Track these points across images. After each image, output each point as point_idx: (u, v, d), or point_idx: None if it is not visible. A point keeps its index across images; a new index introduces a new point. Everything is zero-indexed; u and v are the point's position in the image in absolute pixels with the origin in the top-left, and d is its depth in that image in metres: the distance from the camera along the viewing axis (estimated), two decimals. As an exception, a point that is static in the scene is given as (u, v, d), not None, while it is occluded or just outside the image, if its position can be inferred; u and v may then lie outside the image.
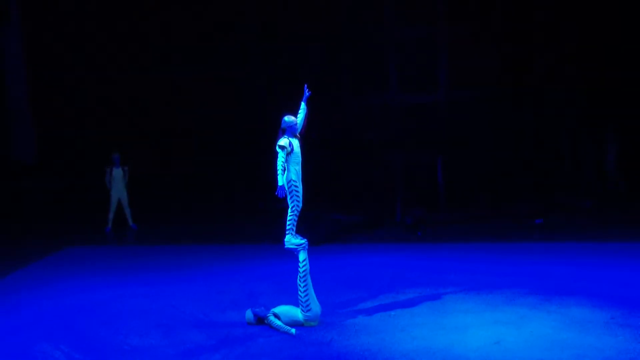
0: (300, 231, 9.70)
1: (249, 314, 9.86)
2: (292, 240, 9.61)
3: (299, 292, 9.60)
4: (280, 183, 9.41)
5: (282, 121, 9.64)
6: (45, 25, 21.42)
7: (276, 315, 9.66)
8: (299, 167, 9.62)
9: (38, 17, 21.51)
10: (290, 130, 9.60)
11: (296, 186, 9.54)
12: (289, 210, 9.56)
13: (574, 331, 9.21)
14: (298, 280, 9.61)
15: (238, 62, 21.57)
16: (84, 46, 21.47)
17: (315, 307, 9.67)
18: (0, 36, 21.38)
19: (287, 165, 9.50)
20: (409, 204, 17.93)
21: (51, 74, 21.58)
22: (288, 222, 9.59)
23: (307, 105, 9.97)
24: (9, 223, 17.98)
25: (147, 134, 21.42)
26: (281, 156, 9.46)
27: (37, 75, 21.71)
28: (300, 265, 9.59)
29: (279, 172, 9.43)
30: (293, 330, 9.43)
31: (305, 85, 9.99)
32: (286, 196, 9.52)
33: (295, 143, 9.62)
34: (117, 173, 17.09)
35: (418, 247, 14.90)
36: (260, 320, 9.77)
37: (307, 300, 9.59)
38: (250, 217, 18.36)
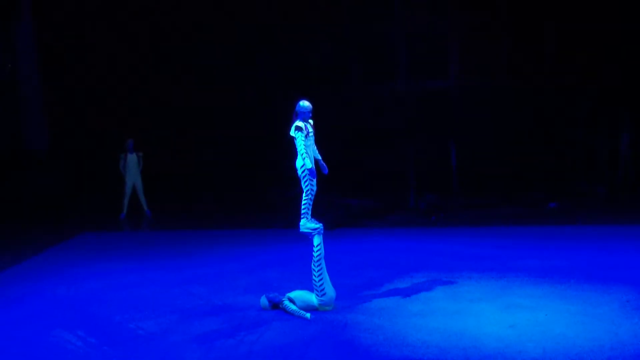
0: (313, 216, 9.71)
1: (263, 300, 9.89)
2: (307, 224, 9.62)
3: (314, 277, 9.62)
4: (309, 166, 9.44)
5: (297, 105, 9.65)
6: (56, 19, 21.45)
7: (291, 300, 9.69)
8: (311, 151, 9.65)
9: (49, 10, 21.53)
10: (302, 116, 9.61)
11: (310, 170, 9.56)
12: (304, 195, 9.57)
13: (589, 315, 9.21)
14: (312, 265, 9.63)
15: (247, 54, 21.55)
16: (95, 38, 21.50)
17: (330, 291, 9.69)
18: (12, 30, 21.42)
19: (301, 149, 9.53)
20: (422, 190, 17.93)
21: (62, 66, 21.63)
22: (303, 206, 9.60)
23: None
24: (23, 211, 18.06)
25: (159, 124, 21.45)
26: (300, 138, 9.48)
27: (48, 68, 21.76)
28: (315, 249, 9.60)
29: (304, 156, 9.46)
30: (308, 315, 9.46)
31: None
32: (301, 180, 9.54)
33: (308, 127, 9.64)
34: (132, 159, 17.11)
35: (432, 232, 14.89)
36: (275, 305, 9.80)
37: (321, 285, 9.61)
38: (262, 204, 18.38)
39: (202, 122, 21.53)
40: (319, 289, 9.62)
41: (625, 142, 19.65)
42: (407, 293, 10.37)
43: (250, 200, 18.94)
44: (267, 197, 18.94)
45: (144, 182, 17.25)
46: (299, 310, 9.56)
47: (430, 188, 18.08)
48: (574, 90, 19.90)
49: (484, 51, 20.57)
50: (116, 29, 21.37)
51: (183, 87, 21.50)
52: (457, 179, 19.06)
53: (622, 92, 19.62)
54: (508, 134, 20.18)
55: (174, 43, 21.43)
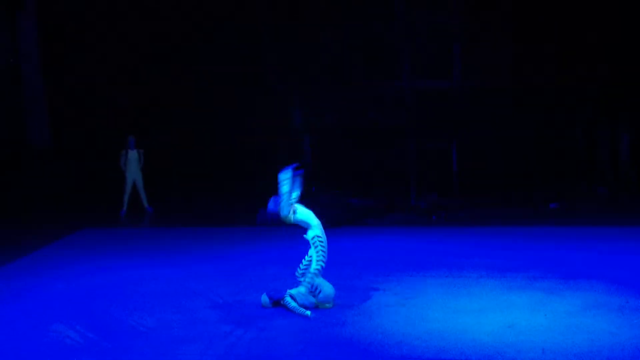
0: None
1: (264, 298, 9.89)
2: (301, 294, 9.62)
3: (305, 279, 9.67)
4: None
5: (280, 179, 10.07)
6: (58, 15, 21.44)
7: (292, 297, 9.69)
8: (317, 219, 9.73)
9: (51, 6, 21.51)
10: (292, 180, 9.94)
11: (321, 241, 9.59)
12: (314, 263, 9.55)
13: (588, 315, 9.21)
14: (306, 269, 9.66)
15: (251, 53, 21.53)
16: (99, 30, 21.48)
17: (328, 289, 9.67)
18: (15, 21, 21.39)
19: (306, 222, 9.69)
20: (422, 189, 17.93)
21: (66, 58, 21.63)
22: (313, 270, 9.56)
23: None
24: (25, 207, 18.07)
25: (162, 119, 21.46)
26: (301, 215, 9.77)
27: (51, 60, 21.75)
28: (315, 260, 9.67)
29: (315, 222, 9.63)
30: (308, 312, 9.46)
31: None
32: (312, 247, 9.59)
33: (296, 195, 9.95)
34: (133, 155, 17.16)
35: (432, 230, 14.92)
36: (276, 303, 9.80)
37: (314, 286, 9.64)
38: (264, 202, 18.34)
39: (203, 121, 21.51)
40: (313, 290, 9.66)
41: (625, 142, 19.67)
42: (406, 292, 10.37)
43: (252, 198, 18.90)
44: (268, 195, 18.89)
45: (144, 178, 17.27)
46: (299, 307, 9.56)
47: (431, 188, 18.08)
48: (575, 91, 19.90)
49: (486, 52, 20.55)
50: (118, 26, 21.34)
51: (184, 85, 21.48)
52: (457, 178, 19.06)
53: (622, 93, 19.63)
54: (509, 134, 20.16)
55: (174, 42, 21.42)
